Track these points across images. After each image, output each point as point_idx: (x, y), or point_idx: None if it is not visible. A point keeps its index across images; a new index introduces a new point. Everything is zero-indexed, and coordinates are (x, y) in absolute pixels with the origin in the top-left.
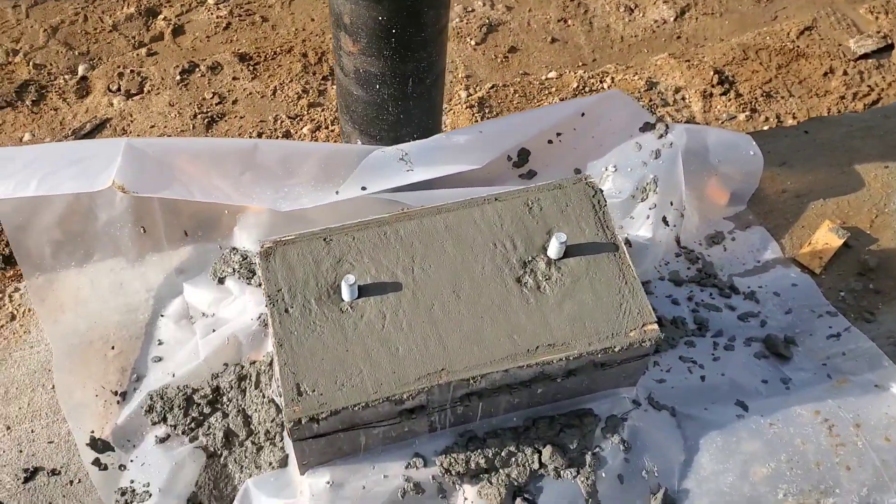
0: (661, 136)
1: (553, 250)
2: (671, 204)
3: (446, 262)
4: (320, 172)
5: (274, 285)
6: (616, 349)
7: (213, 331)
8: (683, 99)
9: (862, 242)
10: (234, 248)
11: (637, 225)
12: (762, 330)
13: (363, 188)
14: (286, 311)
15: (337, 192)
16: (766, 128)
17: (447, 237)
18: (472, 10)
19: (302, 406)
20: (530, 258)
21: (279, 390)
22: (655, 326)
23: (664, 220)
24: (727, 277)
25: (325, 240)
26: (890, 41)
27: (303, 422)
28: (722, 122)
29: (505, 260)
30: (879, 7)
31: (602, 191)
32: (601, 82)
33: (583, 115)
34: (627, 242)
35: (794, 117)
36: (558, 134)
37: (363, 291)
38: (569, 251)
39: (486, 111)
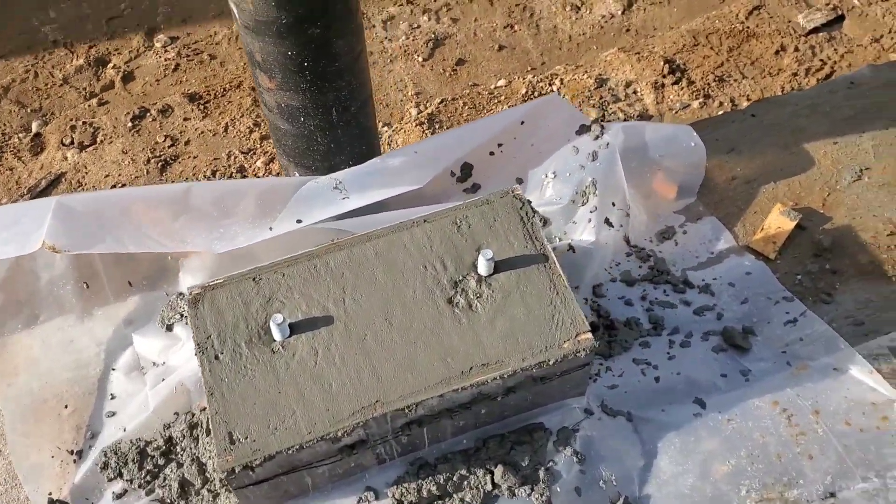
0: (596, 138)
1: (482, 267)
2: (613, 205)
3: (377, 289)
4: (256, 209)
5: (203, 332)
6: (551, 362)
7: (163, 380)
8: (635, 93)
9: (815, 223)
10: (180, 294)
11: (580, 229)
12: (719, 323)
13: (298, 221)
14: (216, 357)
15: (271, 228)
16: (720, 112)
17: (377, 264)
18: (418, 27)
19: (235, 455)
20: (461, 277)
21: None
22: (589, 335)
23: (607, 221)
24: (680, 272)
25: (254, 279)
26: (840, 12)
27: (237, 470)
28: (676, 112)
29: (436, 282)
30: None
31: (530, 202)
32: (550, 85)
33: (522, 123)
34: (571, 248)
35: (748, 99)
36: (499, 145)
37: (295, 328)
38: (499, 266)
39: (437, 126)
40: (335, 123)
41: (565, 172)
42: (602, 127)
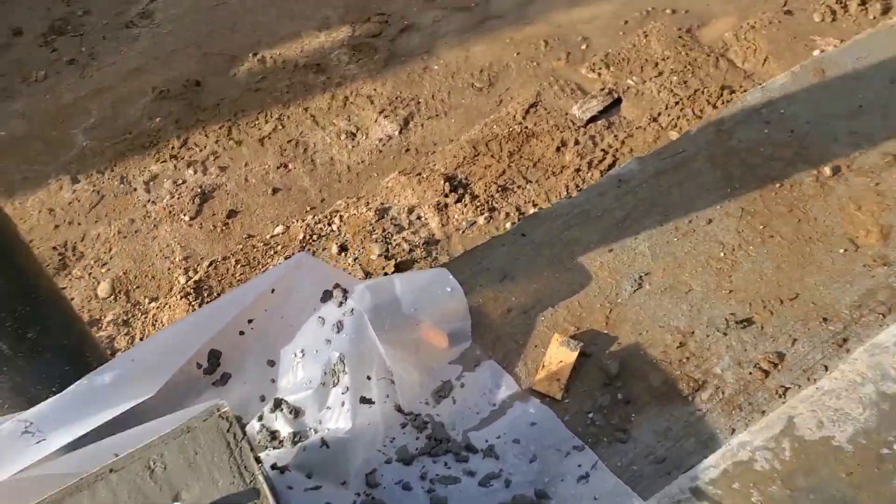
0: (340, 304)
1: None
2: (369, 378)
3: None
4: None
5: None
6: None
7: None
8: (419, 218)
9: (601, 346)
10: None
11: (335, 416)
12: (508, 491)
13: None
14: None
15: None
16: (508, 225)
17: None
18: (184, 182)
19: None
20: None
21: None
22: None
23: (363, 399)
24: (461, 436)
25: None
26: (616, 95)
27: None
28: (463, 232)
29: None
30: (600, 63)
31: (239, 419)
32: (330, 225)
33: (273, 291)
34: (324, 443)
35: (534, 205)
36: (250, 321)
37: None
38: None
39: (206, 294)
40: (11, 356)
41: (313, 349)
42: (345, 291)
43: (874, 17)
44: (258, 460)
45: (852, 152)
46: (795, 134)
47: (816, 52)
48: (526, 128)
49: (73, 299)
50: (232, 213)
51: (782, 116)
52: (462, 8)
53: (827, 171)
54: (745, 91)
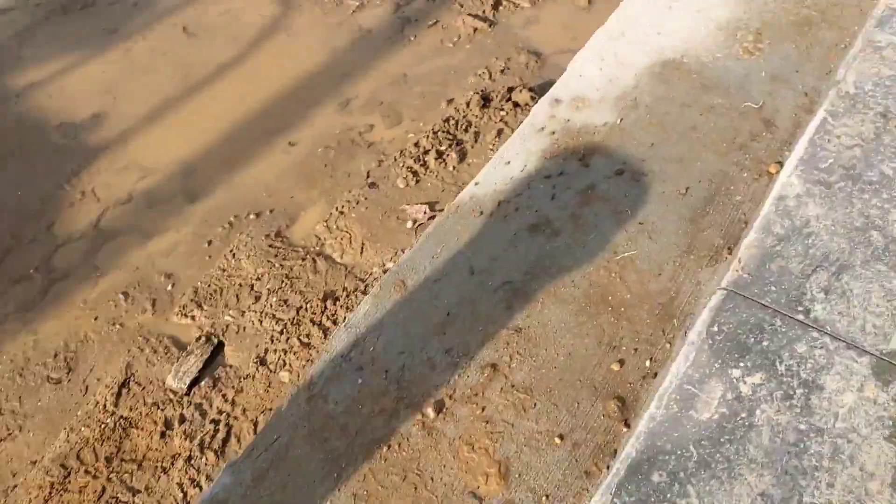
0: None
1: None
2: None
3: None
4: None
5: None
6: None
7: None
8: None
9: None
10: None
11: None
12: None
13: None
14: None
15: None
16: None
17: None
18: None
19: None
20: None
21: None
22: None
23: None
24: None
25: None
26: (216, 340)
27: None
28: None
29: None
30: (190, 303)
31: None
32: None
33: None
34: None
35: None
36: None
37: None
38: None
39: None
40: None
41: None
42: None
43: (454, 168)
44: None
45: (452, 376)
46: (391, 374)
47: (409, 224)
48: (121, 418)
49: None
50: None
51: (374, 356)
52: (19, 278)
53: (430, 412)
54: (348, 295)
